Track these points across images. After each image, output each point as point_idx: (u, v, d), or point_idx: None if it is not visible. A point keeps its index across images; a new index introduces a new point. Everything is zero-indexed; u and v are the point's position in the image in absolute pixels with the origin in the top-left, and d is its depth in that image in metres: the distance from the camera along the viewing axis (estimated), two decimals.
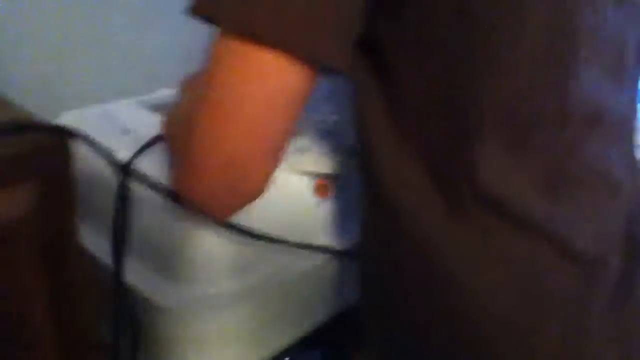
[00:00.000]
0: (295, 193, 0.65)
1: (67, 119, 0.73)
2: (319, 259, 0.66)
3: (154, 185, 0.50)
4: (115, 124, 0.73)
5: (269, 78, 0.39)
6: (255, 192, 0.43)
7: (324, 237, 0.66)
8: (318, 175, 0.65)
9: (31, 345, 0.44)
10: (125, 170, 0.46)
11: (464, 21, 0.39)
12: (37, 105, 0.61)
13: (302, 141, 0.66)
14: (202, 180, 0.41)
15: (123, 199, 0.47)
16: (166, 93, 0.87)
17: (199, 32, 0.91)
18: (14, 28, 0.71)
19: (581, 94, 0.42)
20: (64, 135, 0.43)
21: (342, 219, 0.68)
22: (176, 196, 0.48)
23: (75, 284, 0.46)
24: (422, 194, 0.43)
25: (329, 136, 0.68)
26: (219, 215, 0.45)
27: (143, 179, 0.50)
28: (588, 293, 0.43)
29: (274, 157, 0.42)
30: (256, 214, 0.58)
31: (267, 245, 0.58)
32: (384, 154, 0.45)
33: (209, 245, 0.56)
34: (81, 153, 0.46)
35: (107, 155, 0.46)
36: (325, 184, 0.66)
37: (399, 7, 0.40)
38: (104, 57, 0.81)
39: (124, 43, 0.84)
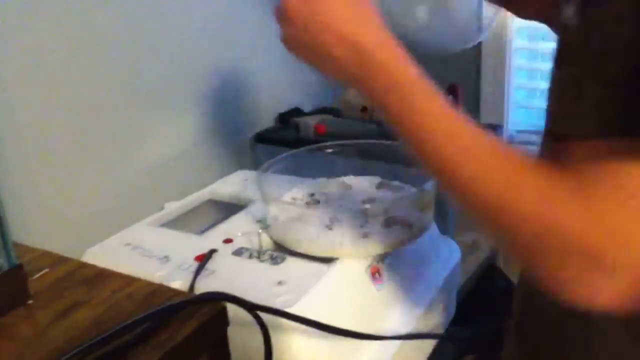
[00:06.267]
0: (359, 281, 0.68)
1: (94, 254, 0.71)
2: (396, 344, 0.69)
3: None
4: (146, 252, 0.71)
5: None
6: None
7: (387, 322, 0.69)
8: (375, 259, 0.69)
9: None
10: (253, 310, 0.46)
11: None
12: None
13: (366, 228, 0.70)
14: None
15: (267, 341, 0.47)
16: (173, 207, 0.85)
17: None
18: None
19: None
20: (220, 302, 0.43)
21: (398, 303, 0.73)
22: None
23: None
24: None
25: None
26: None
27: (278, 312, 0.53)
28: None
29: None
30: (331, 308, 0.61)
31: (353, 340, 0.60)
32: None
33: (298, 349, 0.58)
34: None
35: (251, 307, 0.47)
36: (379, 269, 0.70)
37: None
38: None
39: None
